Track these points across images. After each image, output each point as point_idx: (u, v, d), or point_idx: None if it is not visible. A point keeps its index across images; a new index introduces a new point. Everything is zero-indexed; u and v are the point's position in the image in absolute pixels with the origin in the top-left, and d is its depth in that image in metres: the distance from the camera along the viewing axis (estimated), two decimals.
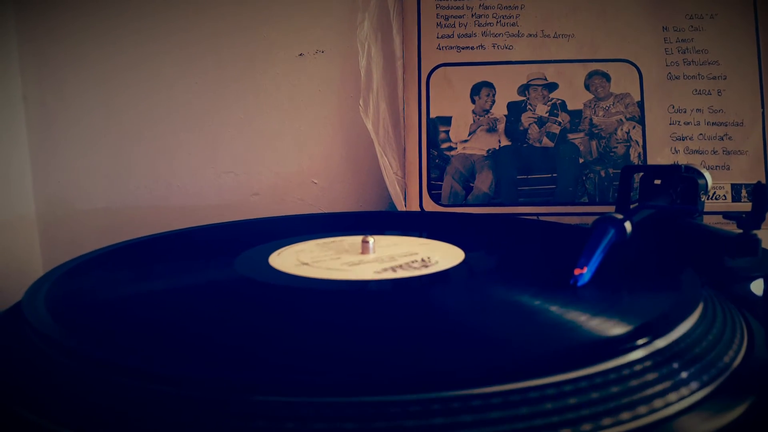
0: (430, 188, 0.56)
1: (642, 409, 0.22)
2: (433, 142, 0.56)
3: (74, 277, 0.34)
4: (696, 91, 0.55)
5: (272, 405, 0.20)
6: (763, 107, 0.54)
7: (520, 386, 0.21)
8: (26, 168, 0.62)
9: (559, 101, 0.56)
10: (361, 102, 0.57)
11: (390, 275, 0.33)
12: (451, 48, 0.57)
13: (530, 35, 0.56)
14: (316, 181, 0.63)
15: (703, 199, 0.42)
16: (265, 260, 0.36)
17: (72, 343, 0.25)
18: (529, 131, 0.56)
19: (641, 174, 0.46)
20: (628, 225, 0.32)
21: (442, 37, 0.57)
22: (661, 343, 0.24)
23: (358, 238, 0.38)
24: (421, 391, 0.20)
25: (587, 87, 0.56)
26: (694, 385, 0.23)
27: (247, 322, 0.28)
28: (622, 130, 0.55)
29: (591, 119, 0.56)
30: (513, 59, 0.56)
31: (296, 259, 0.36)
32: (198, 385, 0.21)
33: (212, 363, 0.23)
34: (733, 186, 0.54)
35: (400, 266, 0.34)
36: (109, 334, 0.26)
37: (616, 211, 0.36)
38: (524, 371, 0.21)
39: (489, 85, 0.56)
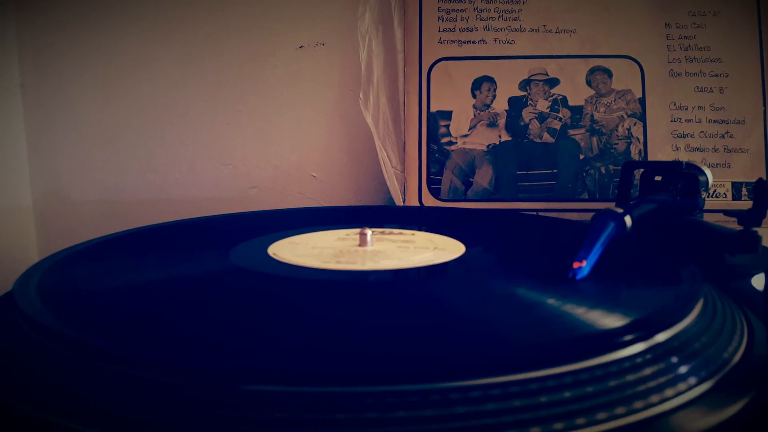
0: (430, 183, 0.56)
1: (640, 404, 0.21)
2: (433, 137, 0.56)
3: (68, 265, 0.34)
4: (698, 88, 0.55)
5: (267, 395, 0.20)
6: (764, 105, 0.54)
7: (514, 378, 0.21)
8: (23, 157, 0.61)
9: (560, 97, 0.56)
10: (361, 95, 0.57)
11: (383, 265, 0.32)
12: (453, 42, 0.56)
13: (532, 30, 0.56)
14: (315, 174, 0.63)
15: (703, 196, 0.42)
16: (262, 252, 0.36)
17: (63, 329, 0.24)
18: (530, 126, 0.56)
19: (641, 170, 0.46)
20: (628, 219, 0.32)
21: (443, 30, 0.57)
22: (660, 337, 0.24)
23: (355, 231, 0.38)
24: (417, 382, 0.20)
25: (589, 83, 0.56)
26: (692, 380, 0.23)
27: (241, 311, 0.27)
28: (623, 126, 0.55)
29: (592, 115, 0.55)
30: (514, 54, 0.56)
31: (292, 251, 0.36)
32: (191, 375, 0.21)
33: (205, 353, 0.22)
34: (733, 184, 0.54)
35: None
36: (101, 323, 0.26)
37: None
38: (518, 363, 0.21)
39: (490, 80, 0.56)
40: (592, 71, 0.56)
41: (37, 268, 0.32)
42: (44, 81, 0.61)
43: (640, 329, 0.23)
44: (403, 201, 0.56)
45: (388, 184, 0.57)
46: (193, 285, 0.32)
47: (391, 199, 0.57)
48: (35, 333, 0.25)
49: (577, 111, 0.55)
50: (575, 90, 0.56)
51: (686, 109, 0.55)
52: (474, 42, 0.56)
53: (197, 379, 0.21)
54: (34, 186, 0.62)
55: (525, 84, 0.56)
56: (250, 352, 0.23)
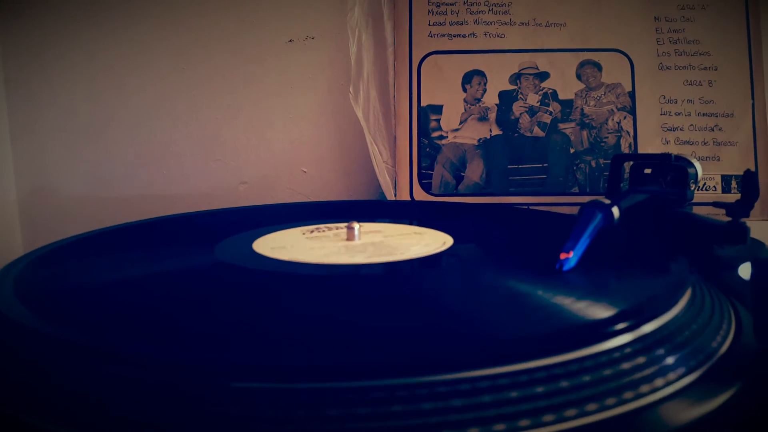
0: (421, 177, 0.56)
1: (627, 395, 0.21)
2: (423, 131, 0.56)
3: (51, 261, 0.34)
4: (687, 81, 0.55)
5: (249, 391, 0.20)
6: (753, 98, 0.54)
7: (500, 371, 0.20)
8: (7, 154, 0.61)
9: (551, 90, 0.55)
10: (351, 89, 0.56)
11: (371, 259, 0.32)
12: (443, 36, 0.56)
13: (522, 24, 0.56)
14: (305, 169, 0.62)
15: (692, 189, 0.42)
16: (247, 247, 0.36)
17: (40, 326, 0.24)
18: (520, 120, 0.55)
19: (631, 163, 0.46)
20: (615, 210, 0.32)
21: (433, 24, 0.56)
22: (647, 327, 0.24)
23: (344, 225, 0.37)
24: (407, 375, 0.20)
25: (579, 77, 0.55)
26: (680, 370, 0.23)
27: (224, 306, 0.27)
28: (613, 120, 0.55)
29: (582, 109, 0.55)
30: (505, 48, 0.56)
31: (279, 245, 0.36)
32: (175, 371, 0.21)
33: (189, 348, 0.22)
34: (723, 177, 0.54)
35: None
36: (83, 319, 0.25)
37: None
38: (506, 355, 0.21)
39: (480, 74, 0.56)
40: (582, 65, 0.55)
41: (15, 264, 0.32)
42: (29, 76, 0.60)
43: (627, 320, 0.23)
44: (395, 195, 0.56)
45: (379, 178, 0.56)
46: (176, 281, 0.31)
47: (382, 194, 0.57)
48: (13, 331, 0.25)
49: (567, 105, 0.55)
50: (565, 84, 0.55)
51: (676, 102, 0.55)
52: (464, 36, 0.56)
53: (181, 374, 0.20)
54: (20, 182, 0.62)
55: (515, 78, 0.56)
56: (236, 348, 0.22)
